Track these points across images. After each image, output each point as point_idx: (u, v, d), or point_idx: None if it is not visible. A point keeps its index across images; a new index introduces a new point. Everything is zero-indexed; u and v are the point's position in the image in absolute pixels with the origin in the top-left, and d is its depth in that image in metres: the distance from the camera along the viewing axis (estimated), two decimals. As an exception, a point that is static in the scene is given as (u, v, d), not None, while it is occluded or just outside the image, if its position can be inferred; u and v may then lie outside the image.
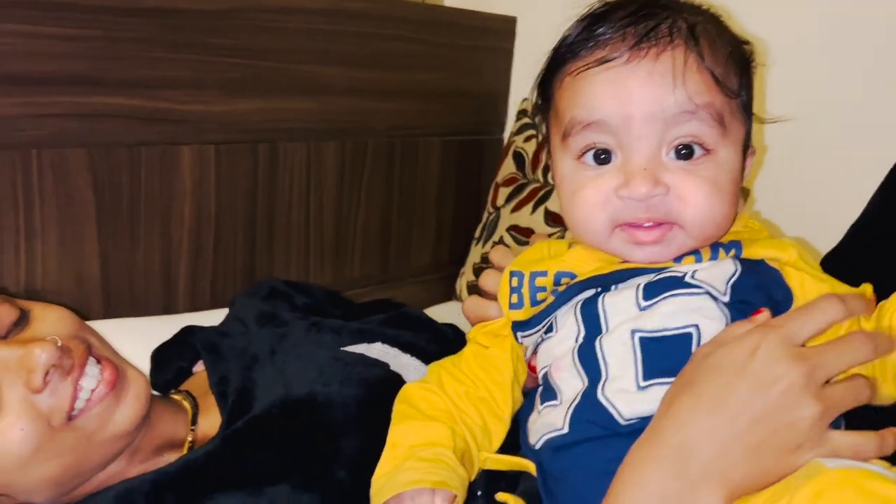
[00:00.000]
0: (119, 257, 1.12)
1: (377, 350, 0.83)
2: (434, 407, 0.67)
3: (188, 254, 1.20)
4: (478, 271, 1.52)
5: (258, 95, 1.23)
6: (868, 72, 1.17)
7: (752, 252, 0.62)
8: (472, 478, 0.65)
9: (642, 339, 0.59)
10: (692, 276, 0.60)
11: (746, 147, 0.65)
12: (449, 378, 0.69)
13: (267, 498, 0.68)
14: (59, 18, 1.00)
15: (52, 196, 1.04)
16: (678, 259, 0.62)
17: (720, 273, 0.61)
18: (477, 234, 1.56)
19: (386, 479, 0.62)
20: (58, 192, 1.04)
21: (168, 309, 1.18)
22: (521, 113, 1.54)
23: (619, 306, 0.61)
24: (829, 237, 0.86)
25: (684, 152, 0.60)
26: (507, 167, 1.52)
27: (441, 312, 1.01)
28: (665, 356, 0.58)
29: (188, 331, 0.91)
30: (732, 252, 0.62)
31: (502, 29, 1.61)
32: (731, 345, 0.56)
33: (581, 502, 0.58)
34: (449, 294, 1.60)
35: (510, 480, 0.66)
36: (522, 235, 1.44)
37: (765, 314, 0.58)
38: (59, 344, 0.68)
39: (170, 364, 0.89)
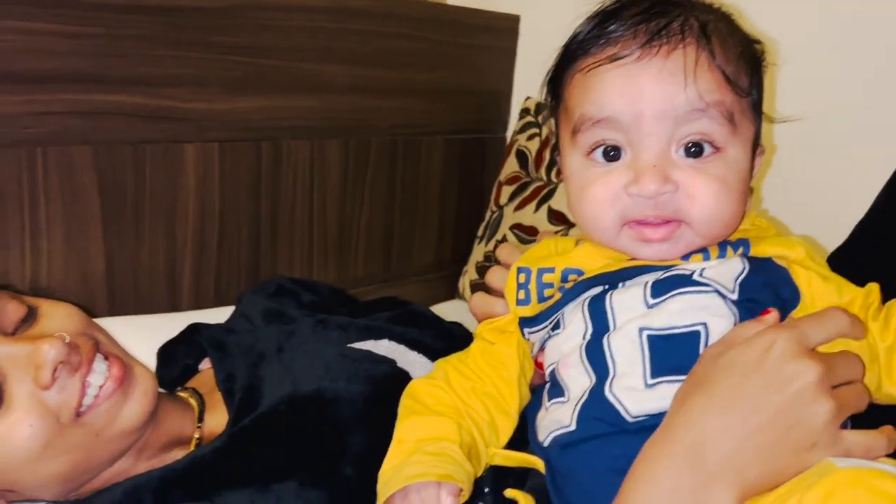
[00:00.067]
0: (124, 255, 1.12)
1: (384, 347, 0.83)
2: (440, 402, 0.67)
3: (192, 251, 1.20)
4: (480, 270, 1.52)
5: (261, 93, 1.23)
6: (877, 71, 1.17)
7: (759, 250, 0.63)
8: (479, 473, 0.66)
9: (650, 337, 0.59)
10: (700, 275, 0.60)
11: (756, 146, 0.65)
12: (455, 374, 0.69)
13: (274, 495, 0.68)
14: (62, 16, 1.00)
15: (57, 194, 1.04)
16: (686, 257, 0.62)
17: (728, 271, 0.61)
18: (480, 232, 1.56)
19: (392, 472, 0.62)
20: (63, 190, 1.04)
21: (172, 306, 1.18)
22: (524, 111, 1.55)
23: (627, 304, 0.61)
24: (837, 236, 0.86)
25: (694, 150, 0.60)
26: (510, 166, 1.52)
27: (444, 311, 1.01)
28: (673, 354, 0.59)
29: (194, 328, 0.91)
30: (740, 250, 0.63)
31: (505, 27, 1.61)
32: (743, 344, 0.56)
33: (589, 499, 0.59)
34: (452, 293, 1.61)
35: (518, 477, 0.66)
36: (526, 234, 1.44)
37: (773, 314, 0.58)
38: (67, 340, 0.69)
39: (176, 361, 0.90)
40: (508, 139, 1.60)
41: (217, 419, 0.79)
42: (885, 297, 0.62)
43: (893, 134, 1.15)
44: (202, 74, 1.14)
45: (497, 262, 0.77)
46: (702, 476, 0.53)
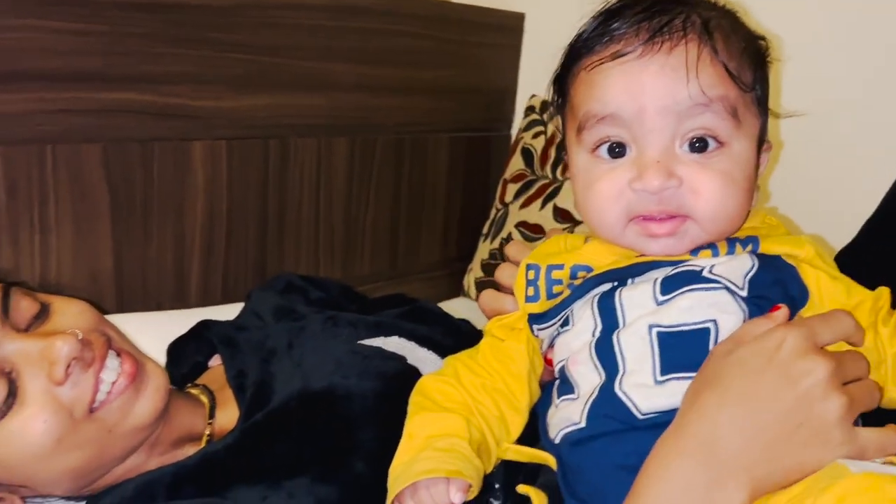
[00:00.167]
0: (132, 252, 1.13)
1: (394, 343, 0.83)
2: (450, 399, 0.67)
3: (200, 249, 1.20)
4: (486, 267, 1.53)
5: (269, 91, 1.23)
6: (884, 69, 1.17)
7: (768, 248, 0.63)
8: (489, 470, 0.66)
9: (660, 334, 0.59)
10: (710, 271, 0.61)
11: (762, 142, 0.65)
12: (465, 370, 0.69)
13: (286, 490, 0.68)
14: (70, 14, 1.00)
15: (66, 191, 1.04)
16: (695, 252, 0.62)
17: (738, 267, 0.61)
18: (485, 230, 1.56)
19: (402, 469, 0.63)
20: (72, 188, 1.05)
21: (180, 303, 1.19)
22: (530, 109, 1.55)
23: (637, 300, 0.62)
24: (844, 233, 0.86)
25: (698, 145, 0.60)
26: (516, 163, 1.52)
27: (449, 308, 1.01)
28: (683, 351, 0.59)
29: (204, 325, 0.91)
30: (749, 247, 0.63)
31: (511, 25, 1.61)
32: (754, 342, 0.56)
33: (599, 496, 0.59)
34: (457, 290, 1.61)
35: (529, 473, 0.66)
36: (531, 232, 1.44)
37: (783, 311, 0.58)
38: (80, 337, 0.69)
39: (186, 358, 0.90)
40: (513, 137, 1.60)
41: (228, 415, 0.79)
42: (894, 295, 0.62)
43: (900, 131, 1.15)
44: (210, 72, 1.15)
45: (506, 259, 0.78)
46: (714, 472, 0.53)
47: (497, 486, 0.68)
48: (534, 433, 0.68)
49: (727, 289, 0.60)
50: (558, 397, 0.65)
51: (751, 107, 0.62)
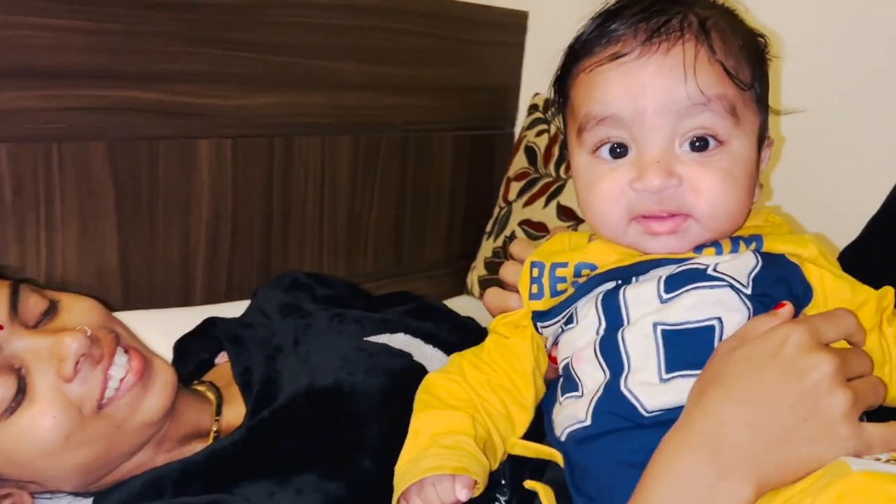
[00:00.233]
0: (138, 249, 1.13)
1: (400, 340, 0.84)
2: (456, 396, 0.68)
3: (205, 247, 1.21)
4: (489, 266, 1.53)
5: (273, 90, 1.23)
6: (886, 66, 1.16)
7: (772, 246, 0.63)
8: (495, 467, 0.66)
9: (665, 332, 0.60)
10: (714, 269, 0.61)
11: (762, 139, 0.65)
12: (471, 368, 0.70)
13: (293, 487, 0.68)
14: (78, 12, 1.00)
15: (73, 189, 1.05)
16: (698, 250, 0.63)
17: (742, 265, 0.61)
18: (488, 228, 1.57)
19: (408, 466, 0.63)
20: (78, 185, 1.05)
21: (185, 301, 1.19)
22: (533, 107, 1.55)
23: (641, 298, 0.62)
24: (847, 231, 0.87)
25: (698, 144, 0.60)
26: (519, 162, 1.53)
27: (453, 306, 1.01)
28: (688, 349, 0.59)
29: (210, 322, 0.92)
30: (753, 245, 0.63)
31: (514, 24, 1.61)
32: (759, 338, 0.56)
33: (606, 493, 0.59)
34: (460, 288, 1.61)
35: (536, 469, 0.67)
36: (534, 230, 1.44)
37: (787, 307, 0.58)
38: (89, 334, 0.69)
39: (192, 355, 0.90)
40: (517, 135, 1.61)
41: (234, 412, 0.80)
42: (898, 295, 0.63)
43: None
44: (217, 71, 1.15)
45: (510, 257, 0.78)
46: (720, 468, 0.53)
47: (503, 481, 0.68)
48: (539, 430, 0.68)
49: (731, 286, 0.60)
50: (562, 395, 0.65)
51: (750, 105, 0.62)
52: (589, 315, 0.64)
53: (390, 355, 0.80)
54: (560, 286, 0.67)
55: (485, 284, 1.50)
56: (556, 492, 0.62)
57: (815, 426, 0.53)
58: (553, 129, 1.48)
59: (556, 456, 0.64)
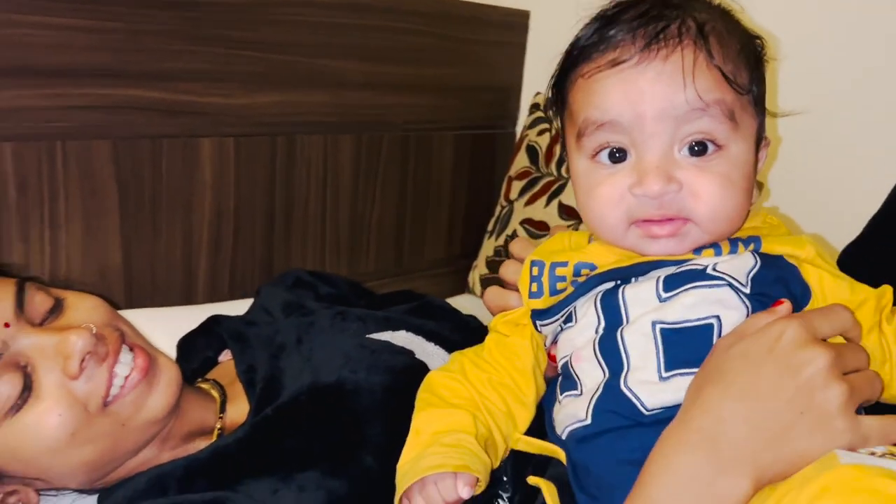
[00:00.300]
0: (140, 248, 1.14)
1: (402, 338, 0.84)
2: (457, 395, 0.68)
3: (208, 245, 1.21)
4: (491, 264, 1.53)
5: (275, 88, 1.24)
6: (883, 66, 1.17)
7: (770, 248, 0.63)
8: (497, 465, 0.67)
9: (663, 331, 0.60)
10: (713, 268, 0.61)
11: (759, 140, 0.66)
12: (471, 366, 0.70)
13: (296, 484, 0.69)
14: (82, 11, 1.01)
15: (76, 187, 1.05)
16: (697, 252, 0.63)
17: (741, 265, 0.62)
18: (490, 227, 1.57)
19: (410, 464, 0.63)
20: (81, 184, 1.06)
21: (188, 300, 1.20)
22: (534, 107, 1.55)
23: (640, 297, 0.62)
24: (844, 233, 0.87)
25: (697, 149, 0.60)
26: (521, 161, 1.53)
27: (454, 305, 1.02)
28: (686, 347, 0.60)
29: (214, 320, 0.92)
30: (752, 246, 0.63)
31: (515, 23, 1.62)
32: (755, 334, 0.57)
33: (607, 491, 0.60)
34: (462, 287, 1.62)
35: (538, 465, 0.67)
36: (536, 229, 1.45)
37: (785, 305, 0.59)
38: (94, 331, 0.70)
39: (196, 353, 0.91)
40: (518, 134, 1.61)
41: (238, 410, 0.80)
42: (897, 295, 0.63)
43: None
44: (219, 69, 1.16)
45: (510, 256, 0.78)
46: (718, 463, 0.53)
47: (505, 478, 0.68)
48: (542, 427, 0.68)
49: (730, 285, 0.61)
50: (561, 393, 0.66)
51: (748, 108, 0.63)
52: (588, 314, 0.65)
53: (392, 352, 0.81)
54: (560, 285, 0.68)
55: (486, 283, 1.50)
56: (558, 489, 0.63)
57: (811, 420, 0.53)
58: (554, 128, 1.48)
59: (559, 453, 0.64)
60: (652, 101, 0.59)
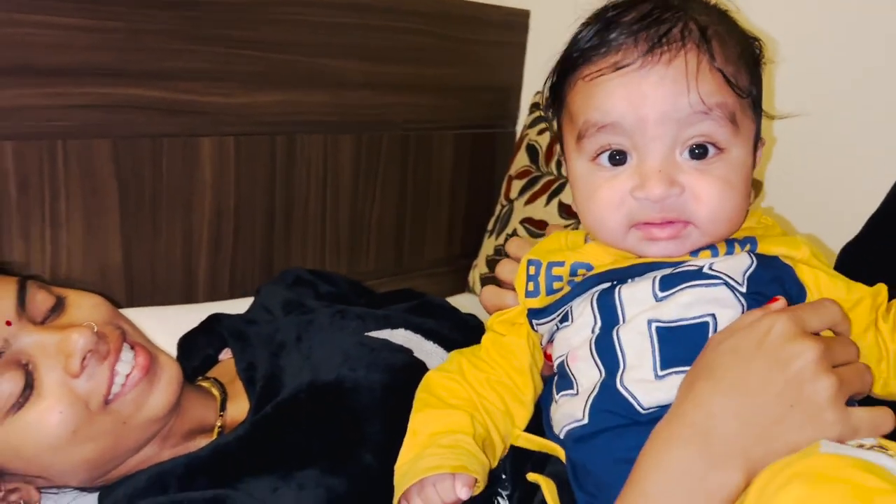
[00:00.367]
0: (141, 247, 1.14)
1: (401, 336, 0.84)
2: (454, 395, 0.68)
3: (208, 245, 1.21)
4: (491, 264, 1.53)
5: (276, 88, 1.24)
6: (880, 67, 1.17)
7: (766, 249, 0.64)
8: (494, 464, 0.67)
9: (659, 329, 0.60)
10: (710, 267, 0.62)
11: (756, 141, 0.66)
12: (469, 366, 0.70)
13: (296, 482, 0.69)
14: (83, 10, 1.01)
15: (77, 186, 1.06)
16: (695, 253, 0.63)
17: (737, 265, 0.62)
18: (490, 226, 1.57)
19: (408, 466, 0.64)
20: (82, 183, 1.06)
21: (188, 298, 1.20)
22: (535, 106, 1.55)
23: (636, 297, 0.63)
24: (840, 232, 0.87)
25: (697, 152, 0.61)
26: (521, 160, 1.53)
27: (454, 305, 1.02)
28: (682, 346, 0.60)
29: (215, 319, 0.92)
30: (748, 247, 0.64)
31: (516, 22, 1.62)
32: (745, 329, 0.57)
33: (606, 490, 0.60)
34: (462, 286, 1.62)
35: (537, 462, 0.67)
36: (536, 228, 1.45)
37: (780, 302, 0.59)
38: (96, 330, 0.70)
39: (197, 352, 0.91)
40: (518, 134, 1.61)
41: (238, 408, 0.81)
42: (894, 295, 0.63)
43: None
44: (219, 69, 1.16)
45: (507, 256, 0.78)
46: (710, 458, 0.54)
47: (504, 476, 0.69)
48: (539, 426, 0.69)
49: (727, 284, 0.61)
50: (557, 393, 0.66)
51: (747, 111, 0.63)
52: (584, 314, 0.65)
53: (391, 350, 0.81)
54: (556, 284, 0.68)
55: (486, 283, 1.50)
56: (558, 486, 0.63)
57: (801, 412, 0.54)
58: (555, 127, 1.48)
59: (559, 451, 0.65)
60: (654, 105, 0.59)
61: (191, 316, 0.98)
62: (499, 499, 0.70)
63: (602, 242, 0.66)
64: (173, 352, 0.91)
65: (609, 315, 0.63)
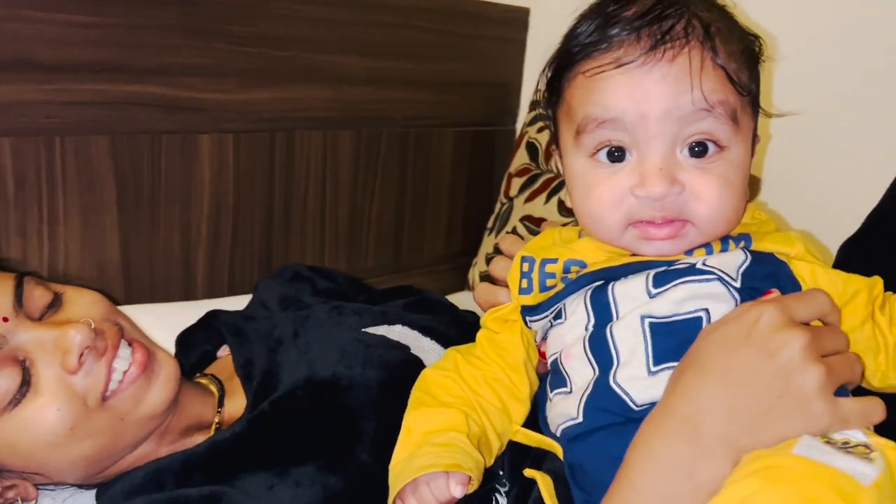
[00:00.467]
0: (139, 244, 1.14)
1: (398, 332, 0.84)
2: (450, 393, 0.68)
3: (207, 241, 1.21)
4: (490, 261, 1.53)
5: (275, 84, 1.24)
6: (877, 66, 1.16)
7: (760, 245, 0.64)
8: (490, 463, 0.67)
9: (652, 325, 0.60)
10: (704, 263, 0.61)
11: (754, 139, 0.66)
12: (465, 363, 0.70)
13: (292, 479, 0.69)
14: (82, 6, 1.01)
15: (75, 183, 1.05)
16: (689, 252, 0.63)
17: (731, 261, 0.62)
18: (489, 224, 1.57)
19: (402, 465, 0.63)
20: (80, 179, 1.06)
21: (187, 295, 1.20)
22: (535, 104, 1.55)
23: (630, 294, 0.62)
24: (839, 232, 0.86)
25: (698, 149, 0.60)
26: (521, 157, 1.53)
27: (454, 302, 1.02)
28: (675, 340, 0.59)
29: (213, 315, 0.92)
30: (742, 243, 0.64)
31: (516, 19, 1.61)
32: (733, 320, 0.57)
33: (602, 488, 0.59)
34: (461, 284, 1.62)
35: (535, 458, 0.67)
36: (535, 225, 1.45)
37: (775, 294, 0.59)
38: (93, 326, 0.70)
39: (195, 348, 0.91)
40: (518, 131, 1.61)
41: (236, 404, 0.81)
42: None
43: (893, 129, 1.14)
44: (218, 65, 1.16)
45: (500, 253, 0.78)
46: (699, 448, 0.54)
47: (501, 472, 0.68)
48: (536, 423, 0.69)
49: (720, 279, 0.61)
50: (551, 391, 0.66)
51: (747, 109, 0.63)
52: (578, 311, 0.65)
53: (388, 347, 0.81)
54: (549, 282, 0.67)
55: (486, 281, 1.51)
56: (555, 482, 0.63)
57: (789, 402, 0.53)
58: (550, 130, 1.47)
59: (556, 447, 0.64)
60: (656, 102, 0.59)
61: (189, 312, 0.98)
62: (497, 495, 0.70)
63: (597, 239, 0.66)
64: (171, 348, 0.91)
65: (602, 312, 0.63)
